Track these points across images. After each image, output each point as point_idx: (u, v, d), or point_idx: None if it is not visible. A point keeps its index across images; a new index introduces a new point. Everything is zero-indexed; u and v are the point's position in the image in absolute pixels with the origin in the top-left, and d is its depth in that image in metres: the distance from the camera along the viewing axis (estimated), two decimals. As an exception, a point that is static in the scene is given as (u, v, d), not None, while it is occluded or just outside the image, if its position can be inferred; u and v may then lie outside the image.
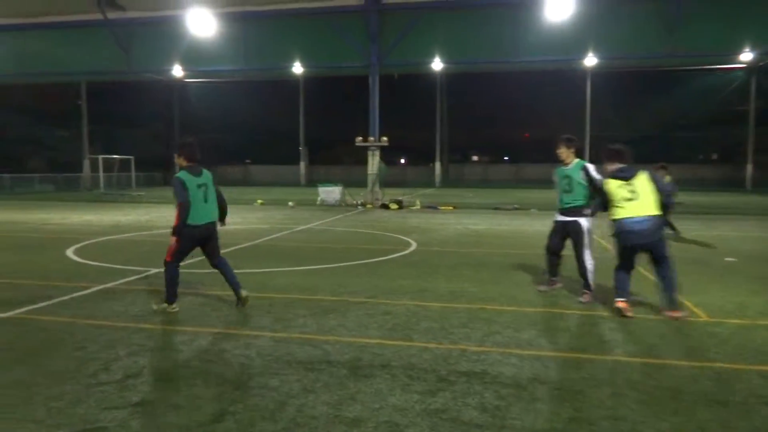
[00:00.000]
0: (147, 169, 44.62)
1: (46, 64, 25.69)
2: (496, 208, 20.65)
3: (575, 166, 6.38)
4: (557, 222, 6.60)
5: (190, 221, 5.64)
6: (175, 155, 5.88)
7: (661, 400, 3.68)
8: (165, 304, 5.79)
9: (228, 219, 6.43)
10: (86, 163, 39.98)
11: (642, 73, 39.22)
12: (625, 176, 5.58)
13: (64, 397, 3.66)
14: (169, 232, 5.84)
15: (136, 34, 24.67)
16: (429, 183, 44.80)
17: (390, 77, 27.43)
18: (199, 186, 5.72)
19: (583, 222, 6.30)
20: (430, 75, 37.86)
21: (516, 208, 20.37)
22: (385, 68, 23.49)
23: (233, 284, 5.96)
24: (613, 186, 5.59)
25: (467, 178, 52.21)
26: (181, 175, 5.67)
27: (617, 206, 5.55)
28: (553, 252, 6.72)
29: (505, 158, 59.81)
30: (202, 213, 5.72)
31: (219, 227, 6.18)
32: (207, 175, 5.87)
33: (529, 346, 4.73)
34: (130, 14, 24.05)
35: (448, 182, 47.17)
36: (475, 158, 61.26)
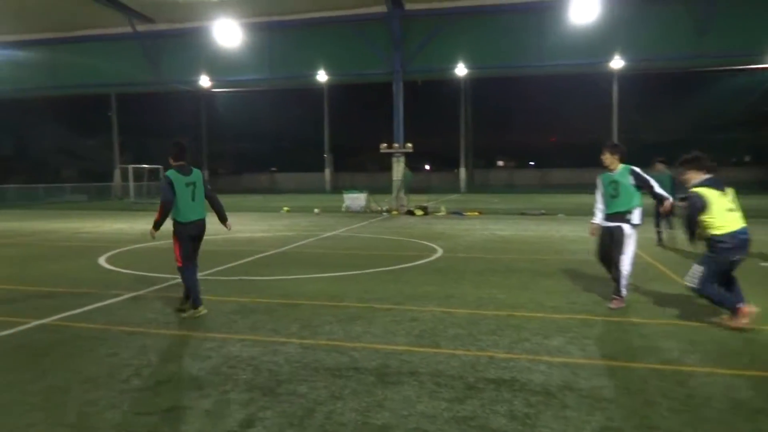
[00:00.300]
0: (175, 178, 45.41)
1: (79, 76, 26.35)
2: (522, 214, 20.47)
3: (622, 171, 6.28)
4: (603, 228, 6.44)
5: (180, 219, 5.85)
6: (169, 156, 6.00)
7: (696, 408, 3.60)
8: (192, 310, 5.90)
9: (229, 223, 6.46)
10: (117, 173, 40.85)
11: (671, 75, 38.47)
12: (721, 188, 5.37)
13: (98, 403, 3.74)
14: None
15: (165, 46, 25.18)
16: (454, 189, 44.64)
17: (414, 83, 27.43)
18: (188, 185, 5.87)
19: (627, 228, 6.18)
20: (454, 80, 37.80)
21: (542, 214, 20.17)
22: (409, 75, 23.52)
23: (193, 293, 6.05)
24: (714, 196, 5.29)
25: (492, 183, 51.95)
26: (170, 173, 5.84)
27: (718, 218, 5.24)
28: (603, 259, 6.53)
29: (531, 163, 59.41)
30: (190, 210, 5.87)
31: (227, 231, 6.52)
32: (197, 174, 6.00)
33: (558, 353, 4.68)
34: (159, 26, 24.56)
35: (473, 188, 46.95)
36: (500, 163, 60.99)
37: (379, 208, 21.93)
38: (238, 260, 9.74)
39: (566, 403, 3.69)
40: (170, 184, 5.75)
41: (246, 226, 16.14)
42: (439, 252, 10.81)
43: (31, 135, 49.62)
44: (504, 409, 3.61)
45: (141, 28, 24.33)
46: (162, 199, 5.78)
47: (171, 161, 5.94)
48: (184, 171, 5.91)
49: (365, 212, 21.76)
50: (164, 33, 24.73)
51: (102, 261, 9.93)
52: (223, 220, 6.36)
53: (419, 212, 20.61)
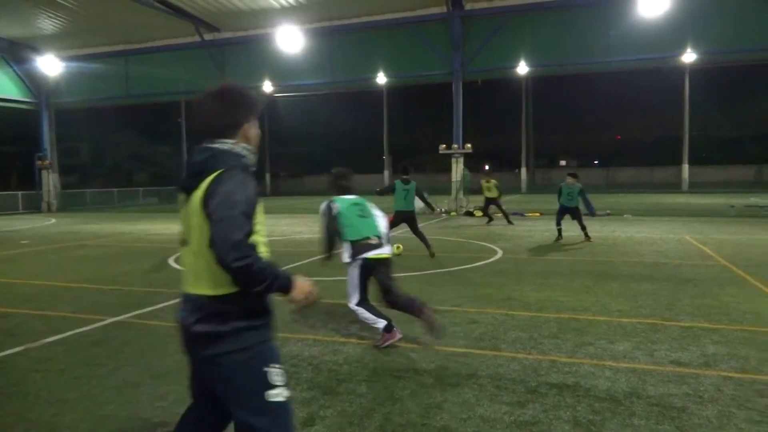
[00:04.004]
0: (240, 181, 46.81)
1: (150, 85, 27.61)
2: (585, 214, 19.86)
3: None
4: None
5: (398, 208, 10.12)
6: (403, 173, 10.47)
7: (776, 420, 3.39)
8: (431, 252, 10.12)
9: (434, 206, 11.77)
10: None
11: (747, 68, 36.25)
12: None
13: (168, 397, 3.90)
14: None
15: (230, 53, 25.99)
16: (515, 189, 43.85)
17: (473, 83, 27.10)
18: (405, 189, 10.13)
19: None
20: (515, 79, 37.12)
21: (608, 214, 19.53)
22: (469, 74, 23.29)
23: (427, 245, 10.10)
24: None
25: (555, 183, 50.59)
26: (396, 183, 10.24)
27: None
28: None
29: (595, 162, 57.64)
30: (404, 204, 10.10)
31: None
32: (412, 184, 10.14)
33: (624, 359, 4.51)
34: (225, 35, 25.38)
35: (534, 188, 45.99)
36: (563, 163, 59.52)
37: (438, 210, 21.84)
38: (301, 261, 9.92)
39: (633, 410, 3.56)
40: (393, 187, 10.22)
41: (307, 227, 16.44)
42: (499, 253, 10.66)
43: (107, 142, 52.39)
44: (567, 414, 3.51)
45: (208, 36, 25.23)
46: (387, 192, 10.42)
47: (401, 176, 10.37)
48: (405, 182, 10.15)
49: (424, 213, 21.71)
50: (230, 41, 25.53)
51: (172, 261, 10.35)
52: (429, 207, 11.25)
53: (478, 213, 20.38)
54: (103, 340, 5.34)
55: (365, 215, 5.06)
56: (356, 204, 5.10)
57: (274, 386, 2.06)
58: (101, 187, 38.75)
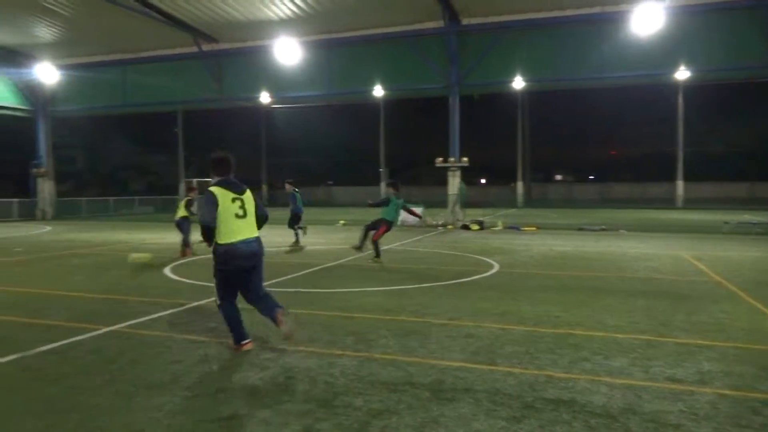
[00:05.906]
0: (236, 191, 46.73)
1: (147, 95, 27.62)
2: (581, 229, 19.95)
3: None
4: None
5: (389, 218, 10.94)
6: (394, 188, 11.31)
7: (771, 438, 3.39)
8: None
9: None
10: (182, 186, 42.39)
11: (739, 86, 36.52)
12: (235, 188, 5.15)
13: (162, 408, 3.88)
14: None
15: (228, 64, 26.07)
16: (511, 203, 43.96)
17: (470, 98, 27.24)
18: (397, 203, 11.00)
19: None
20: (511, 93, 37.33)
21: (603, 229, 19.59)
22: (465, 88, 23.41)
23: (363, 242, 11.41)
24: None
25: (551, 197, 50.91)
26: (392, 198, 10.99)
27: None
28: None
29: (591, 177, 57.91)
30: (394, 216, 11.04)
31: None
32: (402, 200, 11.07)
33: (620, 375, 4.51)
34: (222, 46, 25.48)
35: (530, 202, 46.12)
36: (558, 177, 59.80)
37: (435, 223, 21.86)
38: (296, 272, 9.91)
39: (629, 426, 3.56)
40: (388, 201, 11.13)
41: (303, 239, 16.39)
42: (496, 267, 10.67)
43: (103, 151, 52.39)
44: (563, 430, 3.51)
45: (206, 47, 25.32)
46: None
47: (391, 190, 11.27)
48: (398, 196, 11.17)
49: (420, 227, 21.73)
50: (227, 52, 25.61)
51: (167, 271, 10.32)
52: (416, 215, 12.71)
53: (475, 227, 20.41)
54: (97, 349, 5.31)
55: None
56: None
57: None
58: (97, 195, 38.61)
